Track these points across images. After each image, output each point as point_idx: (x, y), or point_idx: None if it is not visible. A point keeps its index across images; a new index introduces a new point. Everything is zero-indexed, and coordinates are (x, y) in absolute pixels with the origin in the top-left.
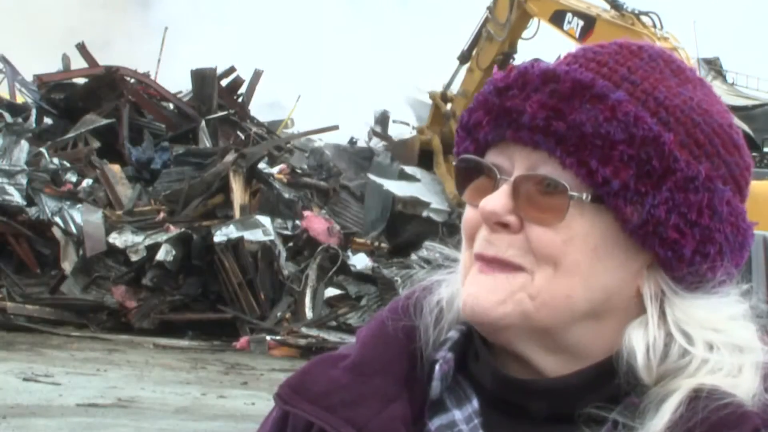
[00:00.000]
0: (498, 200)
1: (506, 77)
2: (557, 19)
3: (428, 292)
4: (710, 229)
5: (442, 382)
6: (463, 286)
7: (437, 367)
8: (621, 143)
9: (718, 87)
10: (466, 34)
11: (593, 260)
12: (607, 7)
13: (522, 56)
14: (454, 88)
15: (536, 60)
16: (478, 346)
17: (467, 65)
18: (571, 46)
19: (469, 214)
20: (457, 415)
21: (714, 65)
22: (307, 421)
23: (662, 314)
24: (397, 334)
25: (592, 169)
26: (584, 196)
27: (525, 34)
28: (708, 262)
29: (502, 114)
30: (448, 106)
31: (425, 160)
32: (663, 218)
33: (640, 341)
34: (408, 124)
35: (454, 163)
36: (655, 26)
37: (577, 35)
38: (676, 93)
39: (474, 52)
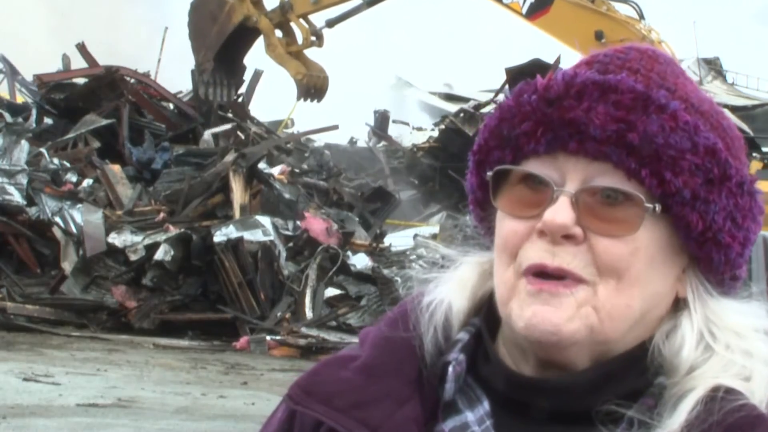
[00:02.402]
0: (565, 213)
1: (549, 87)
2: None
3: (432, 293)
4: (749, 230)
5: (455, 384)
6: (509, 303)
7: (450, 368)
8: (688, 152)
9: (718, 87)
10: (464, 34)
11: (651, 269)
12: None
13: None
14: None
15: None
16: (488, 348)
17: None
18: (514, 20)
19: (512, 226)
20: (470, 416)
21: (714, 65)
22: (315, 421)
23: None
24: (407, 337)
25: (665, 179)
26: (655, 207)
27: None
28: (744, 262)
29: (562, 125)
30: None
31: (239, 35)
32: (721, 224)
33: (689, 336)
34: (408, 124)
35: (489, 173)
36: (638, 17)
37: (523, 11)
38: (701, 97)
39: None
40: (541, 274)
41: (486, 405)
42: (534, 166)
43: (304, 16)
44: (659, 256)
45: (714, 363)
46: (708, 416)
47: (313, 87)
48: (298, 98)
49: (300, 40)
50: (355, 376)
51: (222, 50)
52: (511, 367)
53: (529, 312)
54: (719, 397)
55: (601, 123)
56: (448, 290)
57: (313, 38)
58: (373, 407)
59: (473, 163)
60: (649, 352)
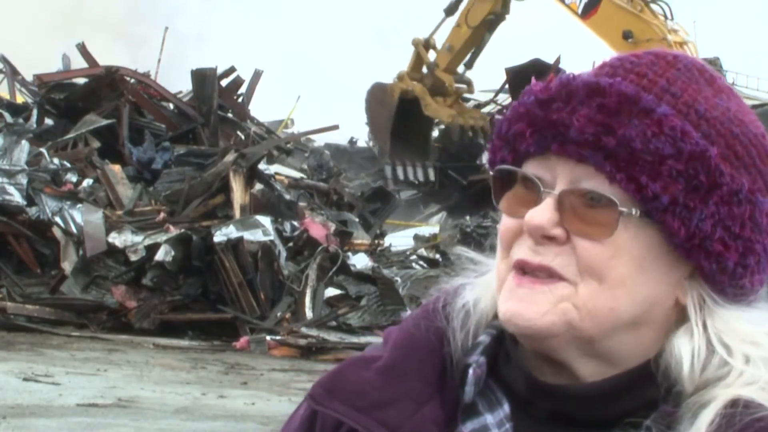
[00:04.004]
0: (544, 214)
1: (547, 89)
2: None
3: (456, 295)
4: (752, 240)
5: (475, 387)
6: (498, 295)
7: (470, 371)
8: (670, 158)
9: None
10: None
11: (637, 273)
12: None
13: (513, 17)
14: (438, 40)
15: (559, 70)
16: (510, 351)
17: (454, 19)
18: (571, 20)
19: (506, 223)
20: (489, 419)
21: (714, 65)
22: (336, 421)
23: (703, 324)
24: (429, 337)
25: (641, 184)
26: (633, 212)
27: None
28: (748, 273)
29: (547, 127)
30: (431, 55)
31: (403, 109)
32: (709, 232)
33: (687, 350)
34: None
35: (491, 173)
36: (666, 17)
37: (579, 11)
38: (714, 104)
39: (462, 8)
40: (525, 269)
41: (506, 407)
42: (530, 167)
43: (450, 70)
44: (649, 261)
45: (733, 373)
46: (728, 428)
47: (470, 128)
48: (455, 138)
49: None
50: (376, 377)
51: (396, 130)
52: (530, 369)
53: (505, 307)
54: (739, 408)
55: (581, 126)
56: (477, 294)
57: (464, 85)
58: (393, 408)
59: (488, 162)
60: (663, 363)
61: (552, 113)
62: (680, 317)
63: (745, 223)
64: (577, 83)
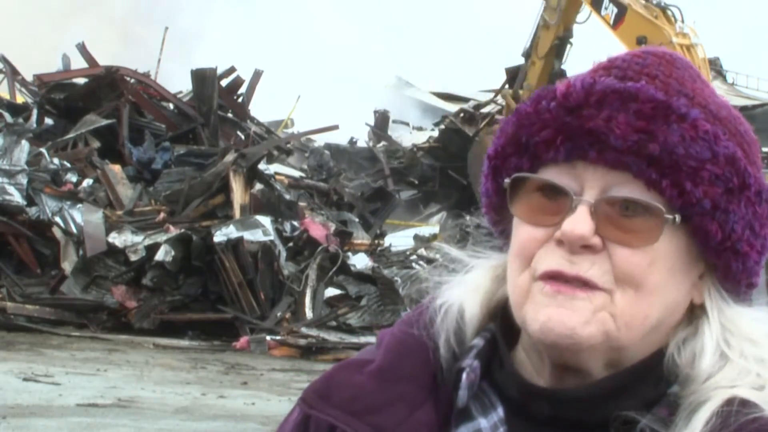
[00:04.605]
0: (584, 224)
1: (569, 94)
2: (596, 3)
3: (443, 296)
4: (766, 238)
5: (469, 391)
6: (523, 308)
7: (464, 375)
8: (708, 162)
9: (718, 87)
10: (464, 31)
11: (669, 279)
12: None
13: (577, 41)
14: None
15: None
16: (503, 354)
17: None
18: (607, 33)
19: (530, 233)
20: (483, 423)
21: (714, 65)
22: (330, 425)
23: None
24: (422, 340)
25: (685, 190)
26: (675, 218)
27: (578, 18)
28: (761, 270)
29: (582, 135)
30: None
31: None
32: (740, 233)
33: (709, 347)
34: (408, 124)
35: (507, 181)
36: (676, 21)
37: (611, 22)
38: (719, 103)
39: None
40: (558, 277)
41: (500, 411)
42: (552, 174)
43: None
44: (678, 265)
45: (728, 371)
46: (723, 429)
47: None
48: None
49: None
50: (369, 380)
51: None
52: (525, 374)
53: (544, 315)
54: (734, 410)
55: (622, 133)
56: (459, 294)
57: None
58: (387, 411)
59: (489, 168)
60: (665, 361)
61: (585, 120)
62: (685, 315)
63: (764, 222)
64: (603, 88)
